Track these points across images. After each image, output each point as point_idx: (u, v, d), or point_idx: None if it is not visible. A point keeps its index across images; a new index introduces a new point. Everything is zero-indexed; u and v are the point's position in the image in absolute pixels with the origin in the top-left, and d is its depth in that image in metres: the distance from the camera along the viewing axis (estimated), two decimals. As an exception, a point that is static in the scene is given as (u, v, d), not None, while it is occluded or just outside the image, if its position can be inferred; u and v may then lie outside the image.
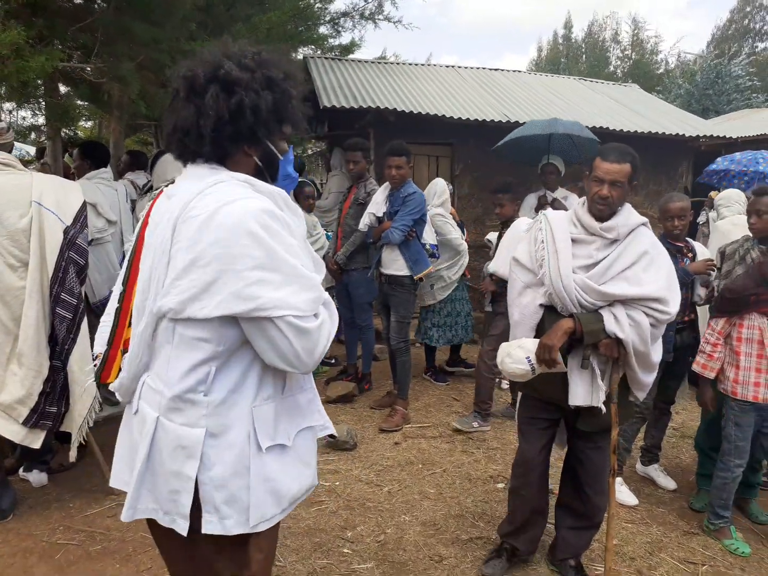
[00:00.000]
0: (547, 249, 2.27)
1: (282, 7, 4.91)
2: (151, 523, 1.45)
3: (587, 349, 2.20)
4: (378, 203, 4.34)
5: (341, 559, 2.73)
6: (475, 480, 3.51)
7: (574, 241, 2.27)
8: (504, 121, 6.65)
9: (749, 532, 3.08)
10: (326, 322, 1.35)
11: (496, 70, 9.40)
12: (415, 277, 4.20)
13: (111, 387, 1.54)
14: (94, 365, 1.68)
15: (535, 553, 2.77)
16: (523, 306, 2.35)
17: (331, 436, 1.73)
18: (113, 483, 1.49)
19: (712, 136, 7.83)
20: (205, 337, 1.29)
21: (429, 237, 4.33)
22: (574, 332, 2.19)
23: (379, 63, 8.63)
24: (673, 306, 2.17)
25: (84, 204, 2.98)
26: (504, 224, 4.06)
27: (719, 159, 6.39)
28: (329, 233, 5.34)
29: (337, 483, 3.41)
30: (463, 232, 5.39)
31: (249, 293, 1.23)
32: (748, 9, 26.97)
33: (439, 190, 5.15)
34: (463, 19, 59.10)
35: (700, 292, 3.27)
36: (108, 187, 3.97)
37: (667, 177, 7.99)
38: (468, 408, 4.70)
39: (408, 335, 4.36)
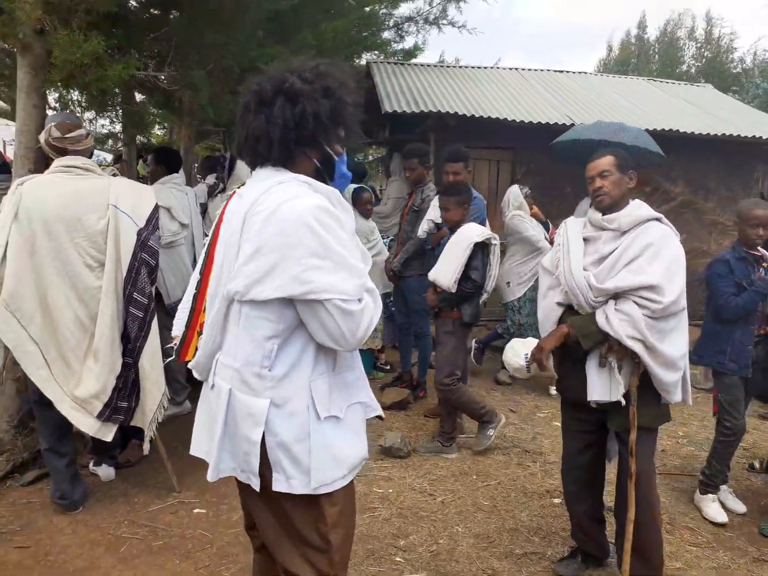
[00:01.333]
0: (562, 250, 2.41)
1: (347, 15, 4.98)
2: (238, 481, 1.65)
3: (603, 348, 2.25)
4: (437, 209, 4.33)
5: (393, 568, 2.74)
6: (530, 494, 3.44)
7: (586, 240, 2.39)
8: (568, 123, 6.49)
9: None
10: (369, 306, 1.51)
11: (561, 71, 9.19)
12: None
13: (189, 365, 1.76)
14: (174, 345, 1.97)
15: (608, 557, 2.70)
16: (545, 306, 2.48)
17: (379, 417, 1.86)
18: (193, 451, 1.71)
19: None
20: (267, 317, 1.49)
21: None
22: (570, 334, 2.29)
23: (441, 67, 8.60)
24: (669, 295, 2.14)
25: (156, 207, 3.11)
26: (451, 230, 3.90)
27: None
28: (386, 240, 5.37)
29: (390, 490, 3.42)
30: (547, 230, 5.41)
31: (305, 277, 1.42)
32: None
33: (512, 195, 5.35)
34: (530, 21, 58.14)
35: None
36: (180, 191, 4.13)
37: (741, 181, 7.62)
38: (524, 419, 4.62)
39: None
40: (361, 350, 5.09)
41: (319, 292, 1.41)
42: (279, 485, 1.54)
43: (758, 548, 2.98)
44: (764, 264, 3.12)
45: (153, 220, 3.06)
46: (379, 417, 1.88)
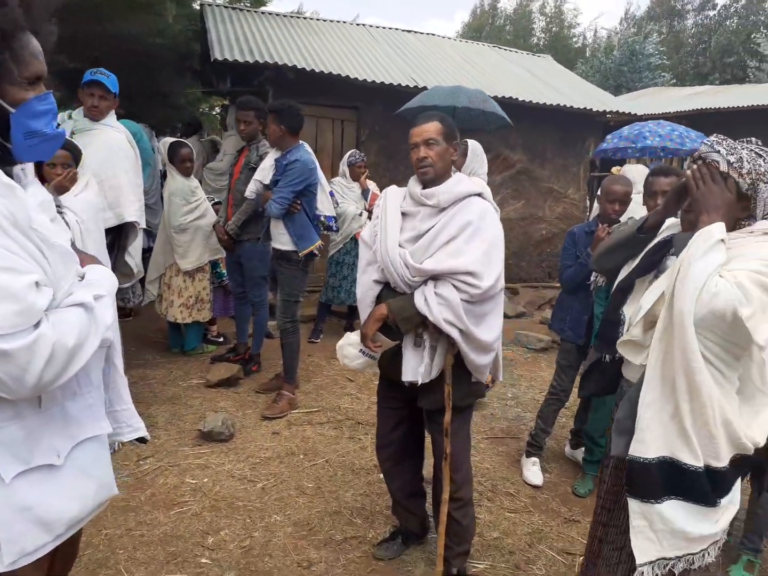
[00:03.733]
0: (380, 224, 2.22)
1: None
2: None
3: (419, 327, 2.13)
4: (265, 170, 3.96)
5: (197, 572, 2.44)
6: (358, 471, 3.30)
7: (405, 214, 2.23)
8: (412, 86, 6.35)
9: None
10: (45, 339, 1.06)
11: (409, 32, 9.03)
12: (300, 254, 3.87)
13: None
14: None
15: (428, 533, 2.67)
16: (363, 283, 2.30)
17: (140, 439, 1.55)
18: None
19: (618, 111, 7.89)
20: None
21: (325, 208, 3.98)
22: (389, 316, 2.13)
23: (285, 17, 8.03)
24: (487, 280, 2.06)
25: None
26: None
27: (608, 136, 6.41)
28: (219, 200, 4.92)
29: (206, 480, 3.10)
30: (365, 198, 5.38)
31: None
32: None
33: (342, 161, 5.49)
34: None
35: None
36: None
37: (574, 151, 8.03)
38: (362, 388, 4.50)
39: (296, 315, 4.04)
40: (188, 323, 4.66)
41: None
42: None
43: (570, 508, 3.08)
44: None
45: None
46: (141, 440, 1.55)
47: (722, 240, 1.50)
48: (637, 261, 1.81)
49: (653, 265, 1.80)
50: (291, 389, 4.06)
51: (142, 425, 1.57)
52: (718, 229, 1.51)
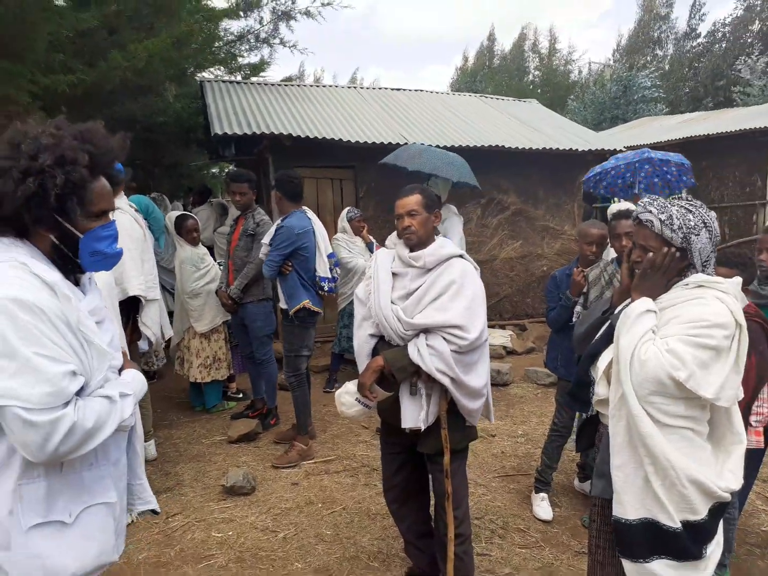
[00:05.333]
0: (372, 283, 2.46)
1: (159, 35, 4.75)
2: None
3: (414, 377, 2.32)
4: (270, 233, 4.26)
5: (226, 621, 2.60)
6: (374, 516, 3.45)
7: (395, 274, 2.47)
8: (402, 143, 6.70)
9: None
10: (66, 418, 1.34)
11: (398, 89, 9.51)
12: (290, 312, 4.12)
13: None
14: None
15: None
16: (360, 337, 2.50)
17: (152, 511, 1.79)
18: None
19: (599, 149, 8.20)
20: None
21: (321, 269, 4.24)
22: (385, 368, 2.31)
23: (279, 86, 8.52)
24: (473, 332, 2.28)
25: None
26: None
27: (592, 169, 6.70)
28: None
29: (230, 533, 3.27)
30: (371, 251, 5.59)
31: None
32: (647, 18, 28.64)
33: (340, 219, 5.70)
34: (389, 30, 60.40)
35: None
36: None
37: (564, 191, 8.30)
38: (375, 435, 4.65)
39: (299, 369, 4.24)
40: (207, 382, 4.88)
41: None
42: None
43: (579, 541, 3.20)
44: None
45: None
46: (153, 512, 1.79)
47: (647, 311, 1.71)
48: (601, 331, 1.97)
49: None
50: (303, 441, 4.23)
51: (153, 499, 1.80)
52: (639, 305, 1.73)
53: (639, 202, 1.84)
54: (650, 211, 1.77)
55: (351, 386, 2.44)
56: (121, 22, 5.11)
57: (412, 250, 2.44)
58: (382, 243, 7.13)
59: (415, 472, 2.66)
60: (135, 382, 1.61)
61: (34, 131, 1.43)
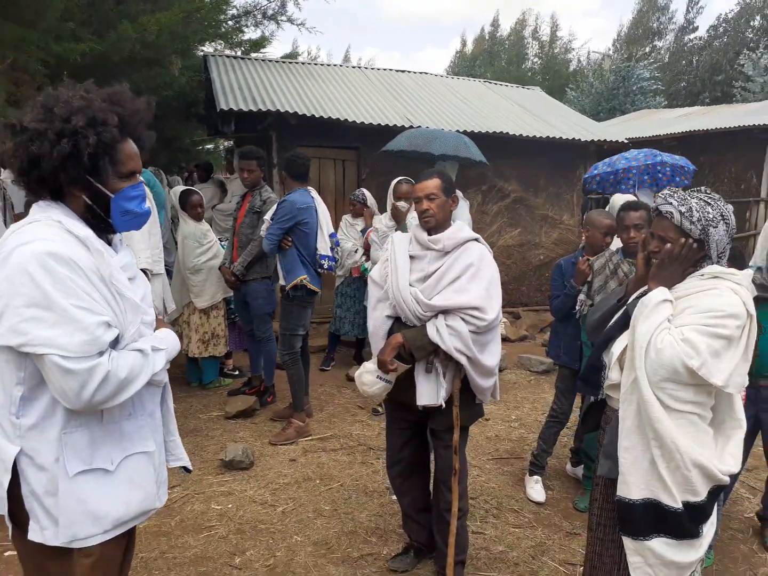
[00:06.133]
0: (390, 266, 2.51)
1: (171, 7, 4.70)
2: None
3: (430, 355, 2.39)
4: (272, 210, 4.28)
5: (228, 589, 2.66)
6: (371, 493, 3.52)
7: (412, 257, 2.52)
8: (407, 126, 6.70)
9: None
10: (101, 366, 1.40)
11: (402, 71, 9.45)
12: (286, 287, 4.17)
13: None
14: None
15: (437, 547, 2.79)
16: (375, 318, 2.56)
17: (184, 468, 1.84)
18: None
19: (605, 140, 8.23)
20: (8, 361, 1.41)
21: (321, 248, 4.26)
22: (404, 346, 2.37)
23: (284, 62, 8.44)
24: (491, 313, 2.36)
25: None
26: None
27: (593, 166, 6.71)
28: (224, 243, 5.20)
29: (230, 506, 3.33)
30: (363, 235, 5.58)
31: (21, 328, 1.34)
32: (645, 8, 28.48)
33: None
34: (386, 10, 59.65)
35: None
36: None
37: (565, 180, 8.34)
38: (371, 415, 4.72)
39: (294, 347, 4.29)
40: (205, 357, 4.92)
41: (35, 345, 1.34)
42: (34, 535, 1.48)
43: (571, 522, 3.29)
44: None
45: None
46: (185, 469, 1.84)
47: (664, 300, 1.76)
48: (616, 317, 2.01)
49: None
50: (299, 417, 4.30)
51: (185, 456, 1.85)
52: (657, 294, 1.78)
53: (659, 194, 1.87)
54: (670, 203, 1.81)
55: (370, 365, 2.50)
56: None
57: (429, 234, 2.49)
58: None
59: (419, 447, 2.74)
60: (167, 339, 1.66)
61: (65, 95, 1.47)
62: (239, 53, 8.80)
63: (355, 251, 5.57)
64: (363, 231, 5.63)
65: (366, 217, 5.65)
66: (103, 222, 1.55)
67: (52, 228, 1.43)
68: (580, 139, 7.91)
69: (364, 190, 5.80)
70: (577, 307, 3.29)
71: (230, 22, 7.95)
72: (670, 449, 1.70)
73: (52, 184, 1.47)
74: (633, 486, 1.78)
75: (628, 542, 1.83)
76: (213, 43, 8.58)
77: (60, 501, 1.45)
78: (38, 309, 1.34)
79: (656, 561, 1.77)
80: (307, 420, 4.37)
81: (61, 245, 1.39)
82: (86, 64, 4.54)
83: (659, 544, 1.76)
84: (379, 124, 6.70)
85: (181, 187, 5.33)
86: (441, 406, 2.42)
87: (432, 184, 2.48)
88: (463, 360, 2.35)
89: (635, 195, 5.34)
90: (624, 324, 1.90)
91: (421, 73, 9.71)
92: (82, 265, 1.40)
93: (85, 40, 4.33)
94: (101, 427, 1.51)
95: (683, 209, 1.78)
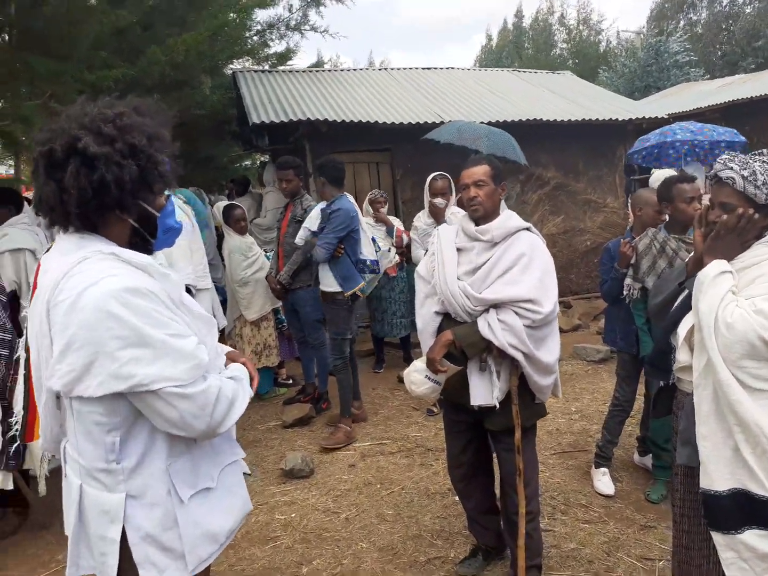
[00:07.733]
0: (436, 260, 2.40)
1: (197, 28, 4.78)
2: None
3: (484, 353, 2.27)
4: (312, 218, 4.30)
5: (297, 599, 2.65)
6: (433, 495, 3.46)
7: (460, 249, 2.40)
8: (438, 122, 6.62)
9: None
10: (213, 386, 1.39)
11: (428, 68, 9.38)
12: (345, 294, 4.15)
13: (39, 447, 1.67)
14: (16, 429, 1.84)
15: (507, 548, 2.75)
16: (423, 315, 2.46)
17: (245, 474, 1.81)
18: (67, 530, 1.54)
19: (645, 117, 7.96)
20: (99, 411, 1.34)
21: (367, 252, 4.26)
22: (455, 343, 2.26)
23: (310, 72, 8.51)
24: (546, 306, 2.22)
25: None
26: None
27: (638, 140, 6.52)
28: (269, 254, 5.24)
29: (293, 515, 3.32)
30: (391, 235, 5.50)
31: (125, 372, 1.27)
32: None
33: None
34: (405, 13, 59.67)
35: None
36: (31, 231, 3.82)
37: (605, 161, 8.10)
38: (427, 416, 4.66)
39: (345, 352, 4.31)
40: (258, 368, 4.98)
41: (147, 384, 1.28)
42: None
43: (644, 515, 3.14)
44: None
45: None
46: (245, 474, 1.81)
47: (723, 272, 1.64)
48: (679, 299, 1.91)
49: None
50: (347, 422, 4.30)
51: (244, 463, 1.80)
52: (712, 268, 1.66)
53: (718, 160, 1.75)
54: (731, 168, 1.69)
55: (419, 364, 2.37)
56: (156, 18, 5.16)
57: (476, 224, 2.38)
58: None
59: (481, 449, 2.65)
60: (241, 372, 1.61)
61: (103, 113, 1.36)
62: (267, 67, 8.92)
63: (388, 250, 5.50)
64: (389, 231, 5.54)
65: (381, 218, 5.54)
66: (145, 243, 1.49)
67: (110, 261, 1.33)
68: (617, 119, 7.68)
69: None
70: (624, 292, 3.16)
71: (255, 38, 8.05)
72: (754, 433, 1.58)
73: (102, 212, 1.36)
74: (716, 476, 1.66)
75: (718, 537, 1.71)
76: (240, 60, 8.73)
77: (181, 531, 1.43)
78: (135, 348, 1.27)
79: (751, 555, 1.65)
80: (352, 424, 4.38)
81: (130, 278, 1.31)
82: (119, 90, 4.66)
83: (752, 537, 1.64)
84: (410, 123, 6.65)
85: (224, 202, 5.42)
86: (495, 406, 2.31)
87: (480, 170, 2.35)
88: (518, 356, 2.22)
89: (682, 170, 5.15)
90: (688, 306, 1.79)
91: (447, 68, 9.63)
92: (156, 293, 1.34)
93: (117, 66, 4.43)
94: (198, 449, 1.50)
95: (746, 173, 1.66)
